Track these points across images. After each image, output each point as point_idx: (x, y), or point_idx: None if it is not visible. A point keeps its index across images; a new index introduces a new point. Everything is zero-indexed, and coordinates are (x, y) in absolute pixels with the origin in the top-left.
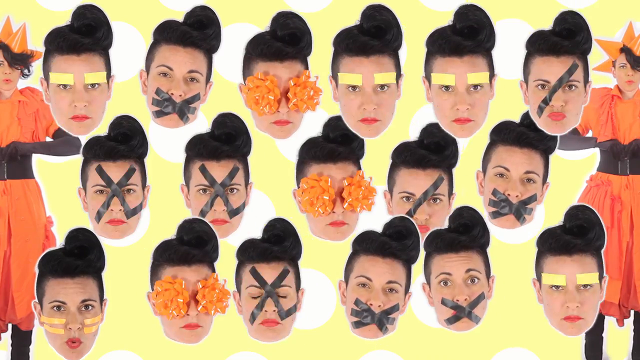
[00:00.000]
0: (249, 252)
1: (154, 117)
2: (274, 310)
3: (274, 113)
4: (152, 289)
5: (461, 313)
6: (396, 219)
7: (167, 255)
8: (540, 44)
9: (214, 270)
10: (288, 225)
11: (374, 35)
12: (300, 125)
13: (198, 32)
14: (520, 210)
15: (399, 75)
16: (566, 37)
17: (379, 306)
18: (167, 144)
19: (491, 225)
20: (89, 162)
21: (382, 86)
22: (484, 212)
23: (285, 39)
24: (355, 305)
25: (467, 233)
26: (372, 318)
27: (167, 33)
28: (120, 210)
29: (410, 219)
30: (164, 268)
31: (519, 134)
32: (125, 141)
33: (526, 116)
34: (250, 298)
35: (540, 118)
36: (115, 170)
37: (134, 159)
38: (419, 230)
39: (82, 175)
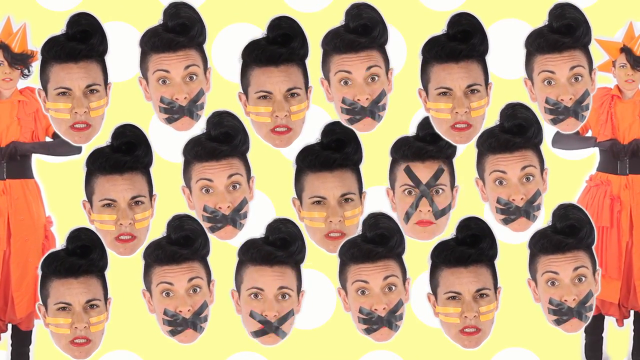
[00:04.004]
0: (251, 253)
1: (165, 123)
2: (429, 210)
3: None
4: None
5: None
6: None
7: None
8: (540, 42)
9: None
10: (294, 228)
11: (361, 34)
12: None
13: (184, 37)
14: (529, 210)
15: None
16: (566, 33)
17: (384, 309)
18: (166, 144)
19: (497, 227)
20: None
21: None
22: (494, 219)
23: (277, 41)
24: (360, 314)
25: (476, 245)
26: (381, 322)
27: (154, 42)
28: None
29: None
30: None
31: (505, 142)
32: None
33: (505, 117)
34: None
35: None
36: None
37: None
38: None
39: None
